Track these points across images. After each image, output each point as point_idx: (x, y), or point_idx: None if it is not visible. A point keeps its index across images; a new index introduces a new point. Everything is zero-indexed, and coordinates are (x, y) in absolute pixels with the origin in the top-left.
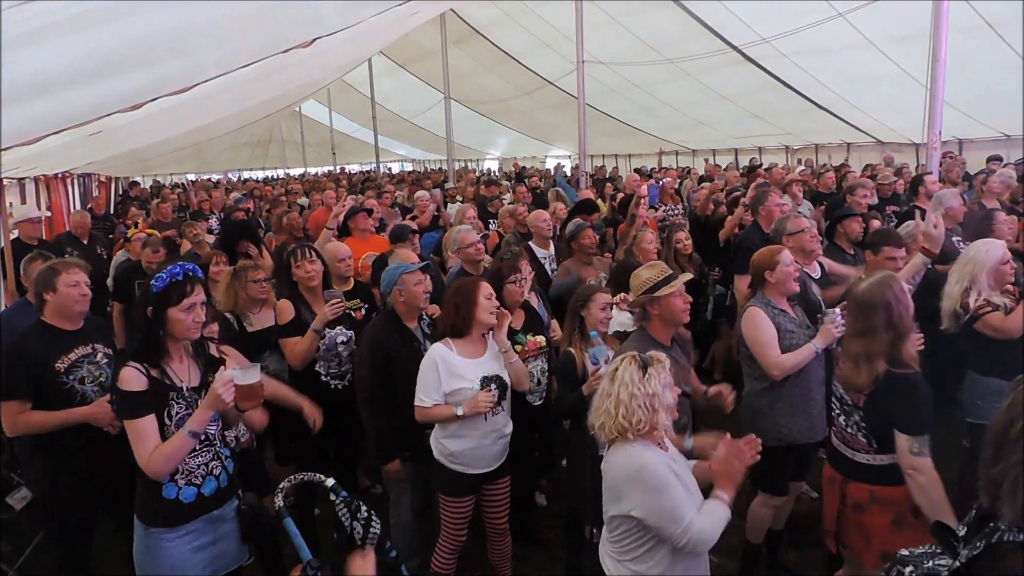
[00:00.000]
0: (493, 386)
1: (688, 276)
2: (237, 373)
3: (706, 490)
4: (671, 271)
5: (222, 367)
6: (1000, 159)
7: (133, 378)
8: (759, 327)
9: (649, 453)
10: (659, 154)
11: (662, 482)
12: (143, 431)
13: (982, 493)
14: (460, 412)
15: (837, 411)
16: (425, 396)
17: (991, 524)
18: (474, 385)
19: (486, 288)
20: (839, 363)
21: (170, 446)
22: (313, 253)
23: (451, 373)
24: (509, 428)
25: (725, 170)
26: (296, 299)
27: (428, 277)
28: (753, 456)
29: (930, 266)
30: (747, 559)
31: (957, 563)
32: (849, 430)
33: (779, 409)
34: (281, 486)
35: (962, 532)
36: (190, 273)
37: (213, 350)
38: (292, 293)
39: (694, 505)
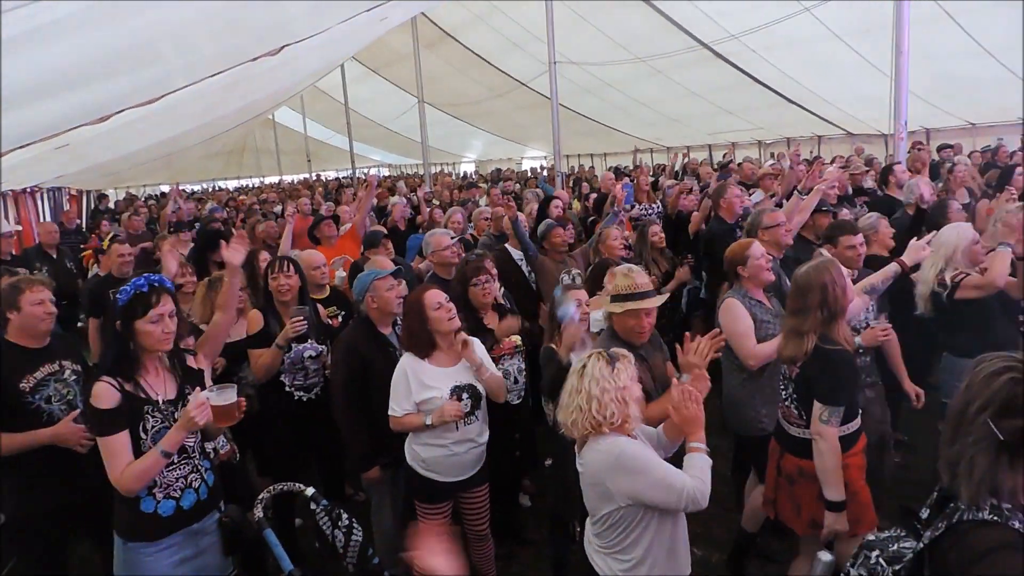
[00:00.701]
0: (465, 395)
1: (662, 299)
2: (212, 394)
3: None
4: (646, 287)
5: (198, 387)
6: (950, 146)
7: (105, 394)
8: (736, 318)
9: (623, 439)
10: (634, 152)
11: (643, 460)
12: (115, 448)
13: (942, 472)
14: (429, 421)
15: (781, 385)
16: (396, 405)
17: (951, 505)
18: (444, 394)
19: (432, 299)
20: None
21: (142, 464)
22: (291, 267)
23: (421, 383)
24: (484, 437)
25: (700, 165)
26: (268, 310)
27: (403, 282)
28: (704, 388)
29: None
30: (739, 547)
31: (921, 545)
32: (786, 403)
33: (758, 400)
34: (260, 497)
35: (925, 514)
36: (155, 284)
37: (191, 362)
38: (266, 304)
39: (677, 471)
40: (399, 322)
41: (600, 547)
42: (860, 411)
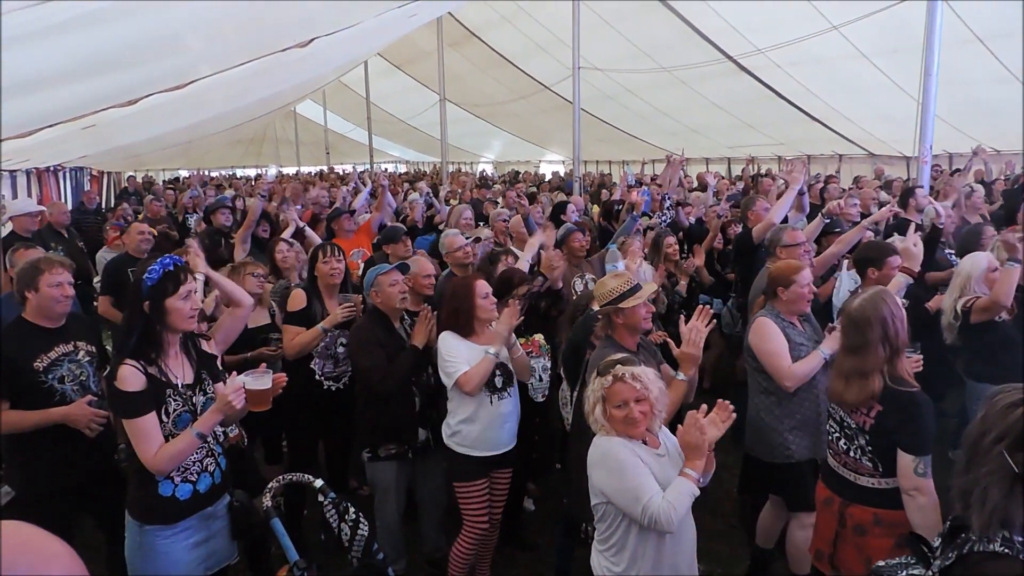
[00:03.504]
0: (498, 372)
1: (653, 287)
2: (248, 379)
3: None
4: (635, 281)
5: (233, 373)
6: (959, 170)
7: (131, 377)
8: (769, 336)
9: (615, 441)
10: (642, 163)
11: (623, 464)
12: (146, 430)
13: (956, 501)
14: (493, 351)
15: (836, 434)
16: (463, 367)
17: (963, 534)
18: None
19: (482, 288)
20: (830, 381)
21: (175, 446)
22: (340, 252)
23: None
24: (517, 416)
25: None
26: (312, 292)
27: (432, 279)
28: (727, 417)
29: (918, 278)
30: (756, 564)
31: (930, 573)
32: (852, 454)
33: (787, 425)
34: (270, 486)
35: (937, 543)
36: (179, 264)
37: (205, 346)
38: (310, 286)
39: (655, 488)
40: (406, 318)
41: (597, 542)
42: None
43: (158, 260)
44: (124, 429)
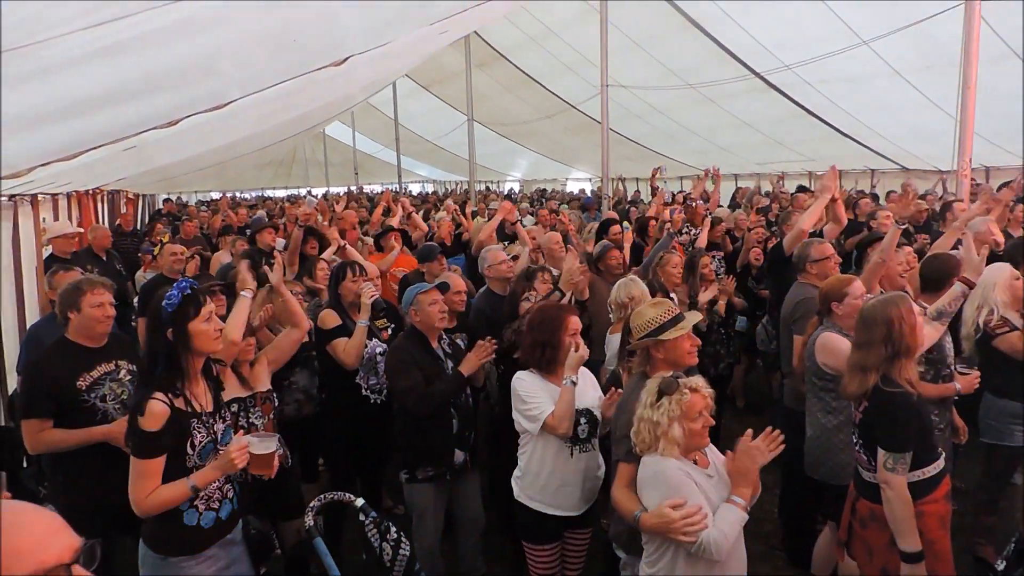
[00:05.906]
0: (583, 420)
1: (697, 317)
2: (255, 441)
3: None
4: (677, 310)
5: (240, 431)
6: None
7: (155, 414)
8: (840, 351)
9: (669, 461)
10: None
11: (673, 485)
12: (147, 472)
13: (1021, 525)
14: (573, 379)
15: (852, 429)
16: (546, 408)
17: None
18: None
19: (574, 324)
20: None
21: (168, 494)
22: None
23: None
24: (601, 471)
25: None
26: (339, 311)
27: (464, 296)
28: (775, 448)
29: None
30: None
31: None
32: (857, 447)
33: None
34: (312, 505)
35: (1001, 566)
36: (196, 286)
37: (217, 371)
38: (335, 306)
39: (711, 512)
40: (443, 336)
41: (645, 564)
42: (941, 452)
43: (174, 285)
44: None
